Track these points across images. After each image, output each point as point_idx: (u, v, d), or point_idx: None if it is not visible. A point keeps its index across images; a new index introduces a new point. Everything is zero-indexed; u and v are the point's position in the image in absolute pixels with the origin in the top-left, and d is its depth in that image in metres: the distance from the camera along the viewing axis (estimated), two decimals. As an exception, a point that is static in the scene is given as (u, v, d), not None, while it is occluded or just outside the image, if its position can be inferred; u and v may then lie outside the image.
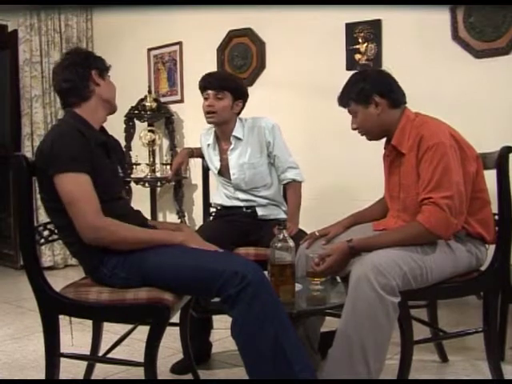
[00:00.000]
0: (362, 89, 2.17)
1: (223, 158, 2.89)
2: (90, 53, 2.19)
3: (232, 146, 2.84)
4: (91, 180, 1.91)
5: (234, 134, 2.82)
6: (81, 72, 2.06)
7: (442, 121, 2.15)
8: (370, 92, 2.16)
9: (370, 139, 2.28)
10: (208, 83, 2.76)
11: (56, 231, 2.11)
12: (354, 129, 2.26)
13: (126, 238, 1.92)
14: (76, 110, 2.06)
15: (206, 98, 2.77)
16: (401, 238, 2.02)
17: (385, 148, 2.30)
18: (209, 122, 2.83)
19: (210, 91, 2.75)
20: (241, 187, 2.86)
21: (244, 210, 2.87)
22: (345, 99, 2.23)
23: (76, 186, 1.87)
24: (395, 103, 2.18)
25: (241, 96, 2.80)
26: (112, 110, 2.18)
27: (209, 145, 2.93)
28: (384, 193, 2.38)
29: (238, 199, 2.88)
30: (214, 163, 2.92)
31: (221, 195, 2.95)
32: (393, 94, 2.18)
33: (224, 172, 2.90)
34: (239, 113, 2.84)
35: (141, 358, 1.89)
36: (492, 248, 2.19)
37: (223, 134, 2.87)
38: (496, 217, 2.20)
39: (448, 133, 2.06)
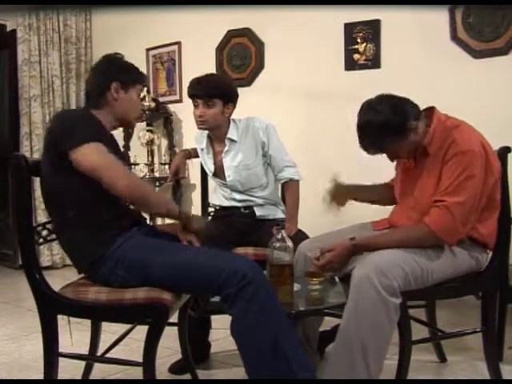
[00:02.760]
0: (398, 125, 2.05)
1: (217, 160, 2.88)
2: (120, 63, 2.14)
3: (227, 148, 2.83)
4: None
5: (228, 136, 2.81)
6: (102, 80, 2.07)
7: (474, 127, 2.11)
8: (405, 122, 2.06)
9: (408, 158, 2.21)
10: (197, 92, 2.72)
11: (55, 230, 2.09)
12: (393, 160, 2.21)
13: (154, 198, 2.04)
14: (92, 111, 2.09)
15: (195, 106, 2.74)
16: (404, 239, 2.01)
17: None
18: (200, 129, 2.82)
19: (198, 100, 2.71)
20: (237, 188, 2.85)
21: (242, 210, 2.87)
22: (382, 148, 2.12)
23: (100, 154, 1.88)
24: (418, 115, 2.11)
25: (231, 99, 2.76)
26: (126, 124, 2.22)
27: (202, 149, 2.92)
28: (395, 190, 2.37)
29: (234, 200, 2.88)
30: (209, 166, 2.92)
31: (218, 196, 2.95)
32: (412, 108, 2.10)
33: (219, 174, 2.89)
34: (230, 114, 2.81)
35: (139, 358, 1.89)
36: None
37: (216, 137, 2.86)
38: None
39: (479, 141, 2.03)
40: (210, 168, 2.91)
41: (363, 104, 2.13)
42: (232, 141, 2.82)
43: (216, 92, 2.69)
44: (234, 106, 2.80)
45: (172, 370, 2.53)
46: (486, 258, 2.18)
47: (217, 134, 2.84)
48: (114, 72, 2.09)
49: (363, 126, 2.08)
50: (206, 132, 2.88)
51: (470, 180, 1.97)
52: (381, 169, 2.41)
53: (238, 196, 2.87)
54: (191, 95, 2.75)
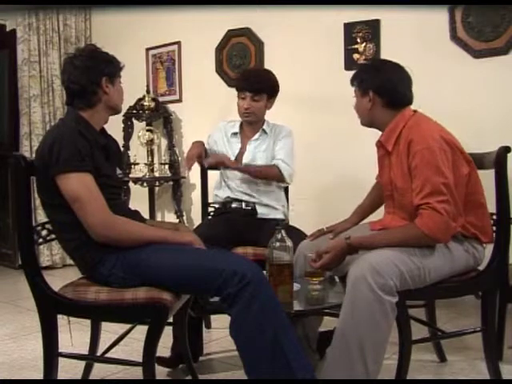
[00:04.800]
0: (363, 80, 2.20)
1: (243, 145, 2.97)
2: (103, 57, 2.11)
3: (257, 137, 2.95)
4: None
5: (264, 127, 2.95)
6: (92, 78, 2.03)
7: (437, 122, 2.14)
8: (367, 86, 2.17)
9: (361, 123, 2.30)
10: (246, 85, 2.86)
11: (54, 230, 2.09)
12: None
13: (138, 236, 1.95)
14: (79, 112, 2.05)
15: (242, 98, 2.87)
16: (399, 240, 2.01)
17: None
18: (245, 121, 2.94)
19: (247, 93, 2.84)
20: (250, 177, 2.90)
21: (244, 206, 2.88)
22: (352, 80, 2.27)
23: (81, 186, 1.87)
24: (391, 104, 2.16)
25: (275, 94, 2.93)
26: (116, 113, 2.18)
27: (234, 133, 3.00)
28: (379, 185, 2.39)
29: (241, 192, 2.90)
30: (234, 150, 2.97)
31: (224, 189, 2.98)
32: (392, 95, 2.16)
33: (240, 159, 2.95)
34: (270, 108, 2.96)
35: (139, 358, 1.89)
36: (490, 247, 2.19)
37: (251, 126, 2.97)
38: (494, 216, 2.20)
39: (439, 136, 2.04)
40: (234, 151, 2.96)
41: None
42: (264, 133, 2.95)
43: (264, 87, 2.86)
44: (274, 101, 2.95)
45: (159, 363, 2.46)
46: (483, 252, 2.17)
47: (253, 125, 2.96)
48: (102, 66, 2.06)
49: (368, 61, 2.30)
50: (238, 121, 3.00)
51: (440, 176, 1.98)
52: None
53: (245, 188, 2.90)
54: (240, 88, 2.88)
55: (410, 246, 2.00)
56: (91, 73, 2.03)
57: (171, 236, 2.02)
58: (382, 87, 2.16)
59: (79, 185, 1.87)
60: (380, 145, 2.21)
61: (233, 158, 2.94)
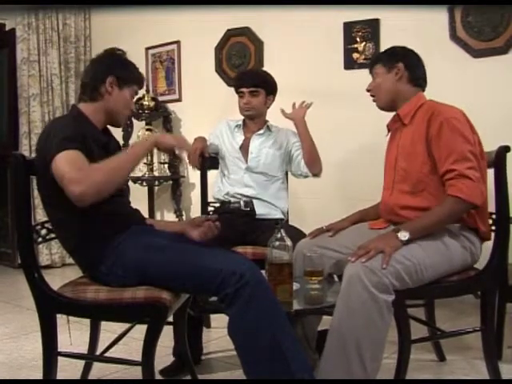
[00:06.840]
0: (391, 54, 2.30)
1: (247, 137, 3.03)
2: (120, 60, 2.11)
3: (261, 132, 3.01)
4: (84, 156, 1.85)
5: (268, 124, 3.04)
6: (99, 72, 2.06)
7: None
8: (397, 59, 2.26)
9: (378, 106, 2.34)
10: (243, 82, 2.97)
11: (54, 228, 2.09)
12: (367, 90, 2.33)
13: (111, 169, 1.85)
14: (81, 106, 2.07)
15: (241, 96, 2.96)
16: (437, 219, 2.01)
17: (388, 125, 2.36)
18: (246, 116, 3.01)
19: (245, 89, 2.93)
20: (254, 169, 2.94)
21: (243, 207, 2.89)
22: (376, 58, 2.37)
23: (67, 160, 1.81)
24: (414, 80, 2.26)
25: (272, 92, 3.01)
26: (115, 122, 2.15)
27: (237, 125, 3.06)
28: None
29: (244, 185, 2.93)
30: (238, 141, 3.02)
31: (224, 183, 3.00)
32: (416, 72, 2.26)
33: (243, 151, 3.00)
34: (269, 107, 3.03)
35: (138, 357, 1.89)
36: (490, 246, 2.19)
37: (253, 122, 3.03)
38: (493, 216, 2.20)
39: (460, 112, 2.12)
40: (238, 142, 3.02)
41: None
42: (269, 129, 3.04)
43: (260, 81, 2.96)
44: (273, 100, 3.04)
45: (164, 374, 2.48)
46: (480, 248, 2.16)
47: (256, 121, 3.02)
48: (113, 66, 2.08)
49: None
50: (241, 119, 3.06)
51: (467, 143, 2.03)
52: (381, 167, 2.41)
53: (248, 180, 2.93)
54: (238, 85, 2.99)
55: (449, 222, 2.03)
56: (100, 67, 2.08)
57: (139, 146, 2.03)
58: (411, 62, 2.27)
59: (65, 160, 1.81)
60: (397, 118, 2.26)
61: (237, 148, 3.00)
